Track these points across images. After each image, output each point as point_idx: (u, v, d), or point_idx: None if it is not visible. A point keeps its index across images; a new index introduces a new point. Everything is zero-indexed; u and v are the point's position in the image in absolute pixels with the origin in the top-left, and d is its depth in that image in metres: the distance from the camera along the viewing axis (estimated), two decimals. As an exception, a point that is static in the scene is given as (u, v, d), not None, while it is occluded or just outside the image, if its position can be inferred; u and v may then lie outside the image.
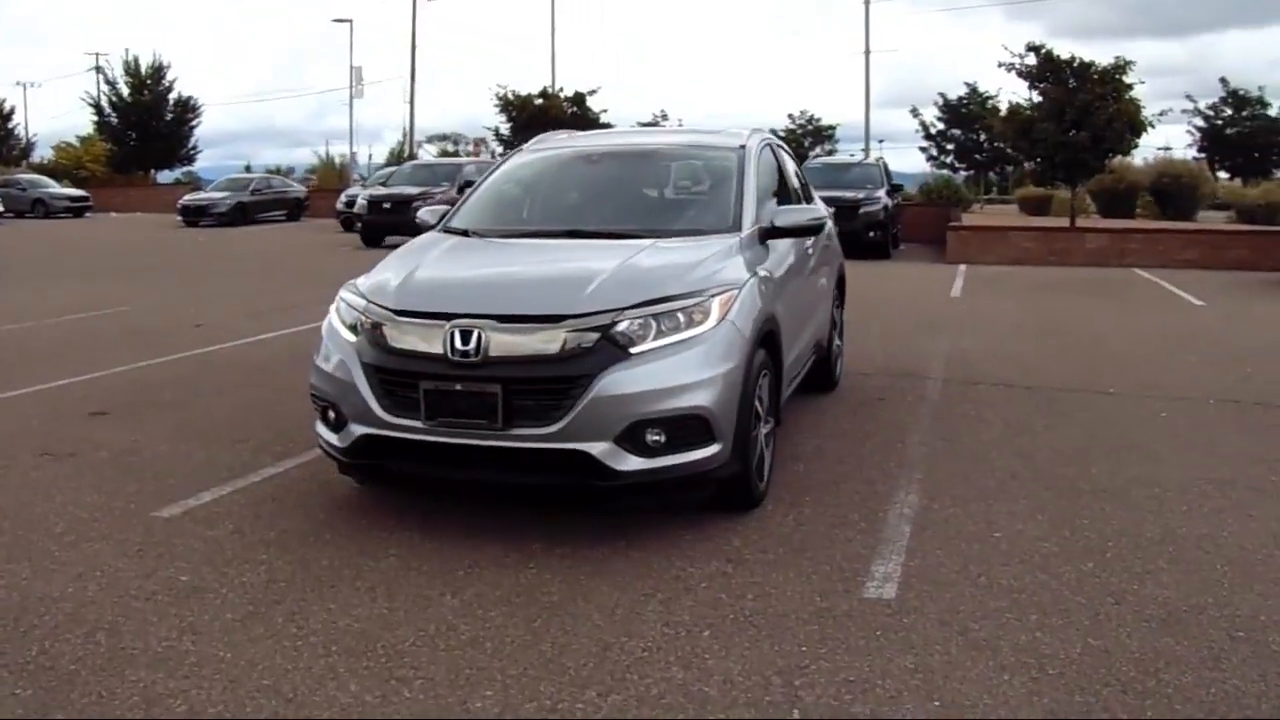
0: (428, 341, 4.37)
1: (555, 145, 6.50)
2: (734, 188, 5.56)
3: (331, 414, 4.65)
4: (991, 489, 5.23)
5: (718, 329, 4.41)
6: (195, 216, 31.13)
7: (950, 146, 45.72)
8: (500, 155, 32.88)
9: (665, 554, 4.30)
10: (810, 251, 6.44)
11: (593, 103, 32.39)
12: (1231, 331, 10.87)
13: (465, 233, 5.58)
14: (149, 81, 42.99)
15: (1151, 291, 14.59)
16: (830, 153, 42.08)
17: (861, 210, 18.92)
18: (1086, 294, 14.02)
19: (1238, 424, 6.60)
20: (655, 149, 6.36)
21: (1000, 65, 21.62)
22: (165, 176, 46.80)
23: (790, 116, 47.94)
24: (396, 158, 47.20)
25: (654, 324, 4.31)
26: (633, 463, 4.21)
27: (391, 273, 4.91)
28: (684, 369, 4.27)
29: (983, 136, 44.33)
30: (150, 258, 20.13)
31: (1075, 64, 20.33)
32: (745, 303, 4.63)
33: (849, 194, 18.68)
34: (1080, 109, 19.92)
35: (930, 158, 47.35)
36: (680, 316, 4.35)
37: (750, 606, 3.80)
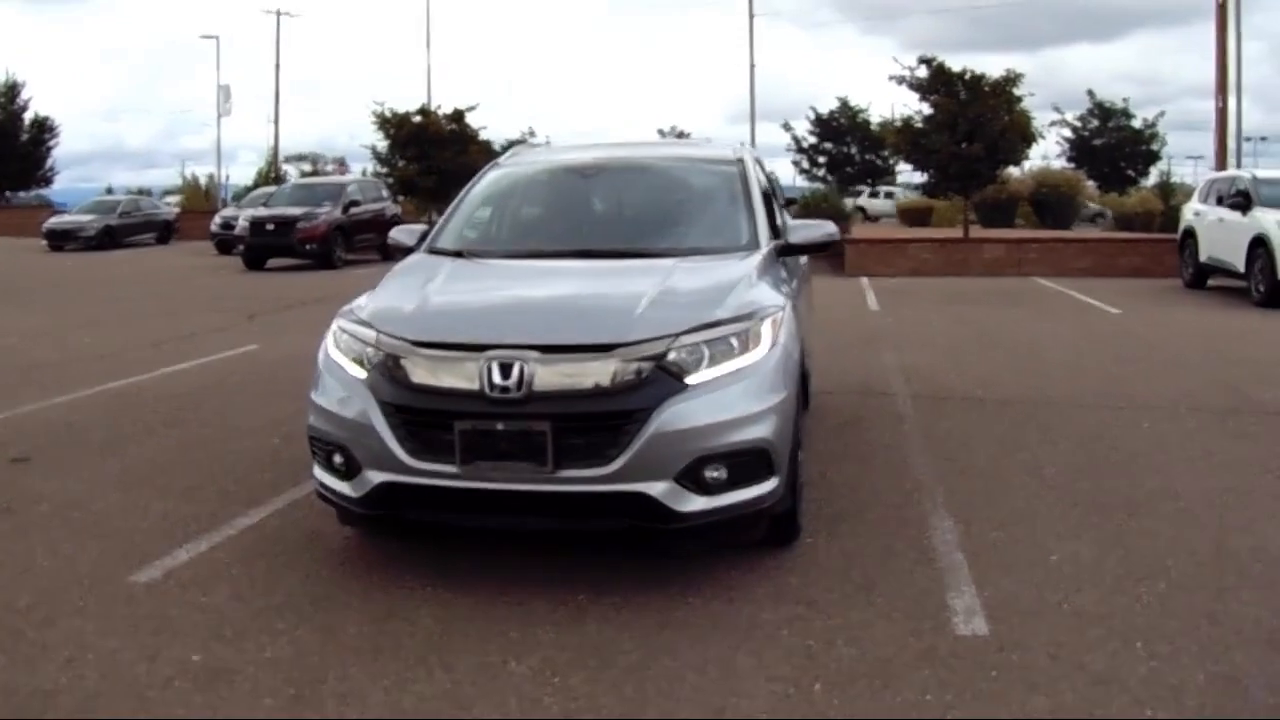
0: (459, 376, 3.93)
1: (536, 159, 6.10)
2: (743, 203, 5.26)
3: (339, 459, 4.15)
4: (1022, 509, 5.07)
5: (771, 354, 4.09)
6: (61, 241, 29.31)
7: (822, 159, 46.43)
8: (376, 174, 31.92)
9: (726, 599, 3.96)
10: (805, 269, 6.21)
11: (471, 120, 31.68)
12: (1160, 338, 11.11)
13: (459, 254, 5.13)
14: (2, 100, 40.29)
15: (1063, 301, 14.91)
16: None
17: None
18: (1001, 304, 14.24)
19: (1221, 431, 6.64)
20: (651, 162, 5.99)
21: (891, 78, 22.02)
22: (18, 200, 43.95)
23: (660, 132, 48.06)
24: (264, 178, 45.47)
25: (706, 351, 3.97)
26: (696, 503, 3.86)
27: (399, 298, 4.44)
28: (744, 399, 3.94)
29: (854, 149, 45.15)
30: (23, 285, 18.65)
31: (966, 76, 20.81)
32: (789, 325, 4.34)
33: None
34: (973, 120, 20.38)
35: (802, 170, 48.01)
36: (734, 342, 4.03)
37: (846, 654, 3.50)
